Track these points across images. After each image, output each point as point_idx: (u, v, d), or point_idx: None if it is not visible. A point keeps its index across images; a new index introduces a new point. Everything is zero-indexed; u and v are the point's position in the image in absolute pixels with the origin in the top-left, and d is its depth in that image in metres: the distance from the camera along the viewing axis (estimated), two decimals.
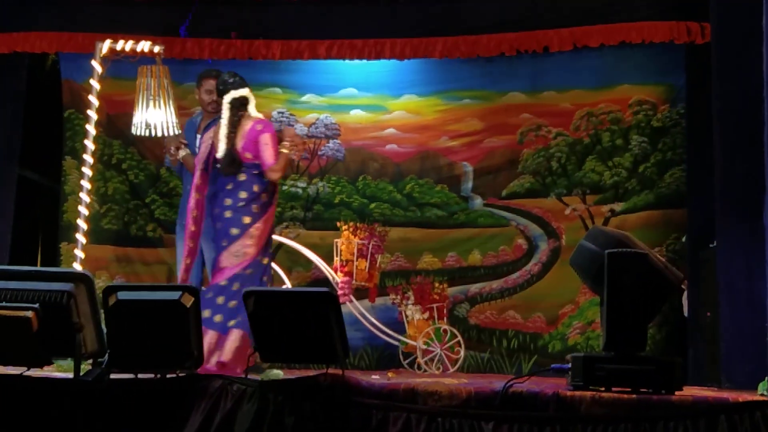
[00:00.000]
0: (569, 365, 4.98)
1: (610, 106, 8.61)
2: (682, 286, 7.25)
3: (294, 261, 8.58)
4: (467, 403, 4.71)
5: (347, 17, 8.27)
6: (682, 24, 7.88)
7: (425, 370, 7.89)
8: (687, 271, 7.55)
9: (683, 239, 8.19)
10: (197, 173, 6.44)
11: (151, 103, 6.86)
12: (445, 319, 8.19)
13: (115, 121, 8.73)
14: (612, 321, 4.97)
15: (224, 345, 6.07)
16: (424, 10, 8.22)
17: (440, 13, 8.20)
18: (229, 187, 6.34)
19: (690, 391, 5.17)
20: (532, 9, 8.08)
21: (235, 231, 6.26)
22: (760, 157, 5.33)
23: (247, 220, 6.27)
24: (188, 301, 4.86)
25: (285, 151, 6.41)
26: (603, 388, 4.81)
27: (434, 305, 8.15)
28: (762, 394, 5.12)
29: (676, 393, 4.83)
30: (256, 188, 6.33)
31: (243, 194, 6.31)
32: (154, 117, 6.87)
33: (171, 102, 6.92)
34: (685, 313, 7.77)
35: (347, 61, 8.50)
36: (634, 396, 4.71)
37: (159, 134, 6.94)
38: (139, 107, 6.90)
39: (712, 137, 6.92)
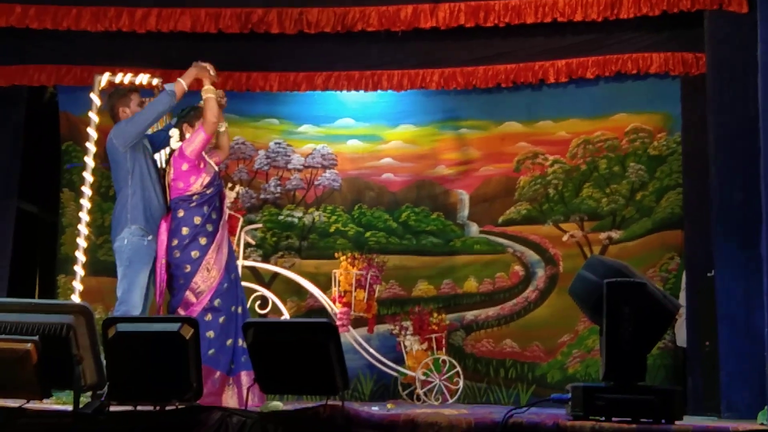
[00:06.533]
0: (569, 395, 4.98)
1: (607, 134, 8.63)
2: (676, 316, 7.26)
3: (289, 290, 8.54)
4: None
5: (345, 49, 8.27)
6: (677, 55, 7.92)
7: (424, 401, 7.86)
8: (685, 300, 7.55)
9: (676, 260, 8.23)
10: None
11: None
12: (443, 349, 8.13)
13: None
14: (611, 350, 4.97)
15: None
16: (422, 43, 8.22)
17: (437, 46, 8.19)
18: (172, 226, 6.14)
19: (690, 421, 5.17)
20: (528, 41, 8.10)
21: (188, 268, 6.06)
22: (757, 186, 5.35)
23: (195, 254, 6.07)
24: (187, 332, 4.85)
25: (211, 95, 6.18)
26: (603, 418, 4.81)
27: (433, 335, 8.09)
28: (762, 424, 5.13)
29: (676, 422, 4.84)
30: (197, 220, 6.12)
31: (185, 230, 6.11)
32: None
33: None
34: (678, 342, 7.78)
35: (344, 92, 8.54)
36: (634, 426, 4.71)
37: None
38: None
39: (708, 165, 6.96)
